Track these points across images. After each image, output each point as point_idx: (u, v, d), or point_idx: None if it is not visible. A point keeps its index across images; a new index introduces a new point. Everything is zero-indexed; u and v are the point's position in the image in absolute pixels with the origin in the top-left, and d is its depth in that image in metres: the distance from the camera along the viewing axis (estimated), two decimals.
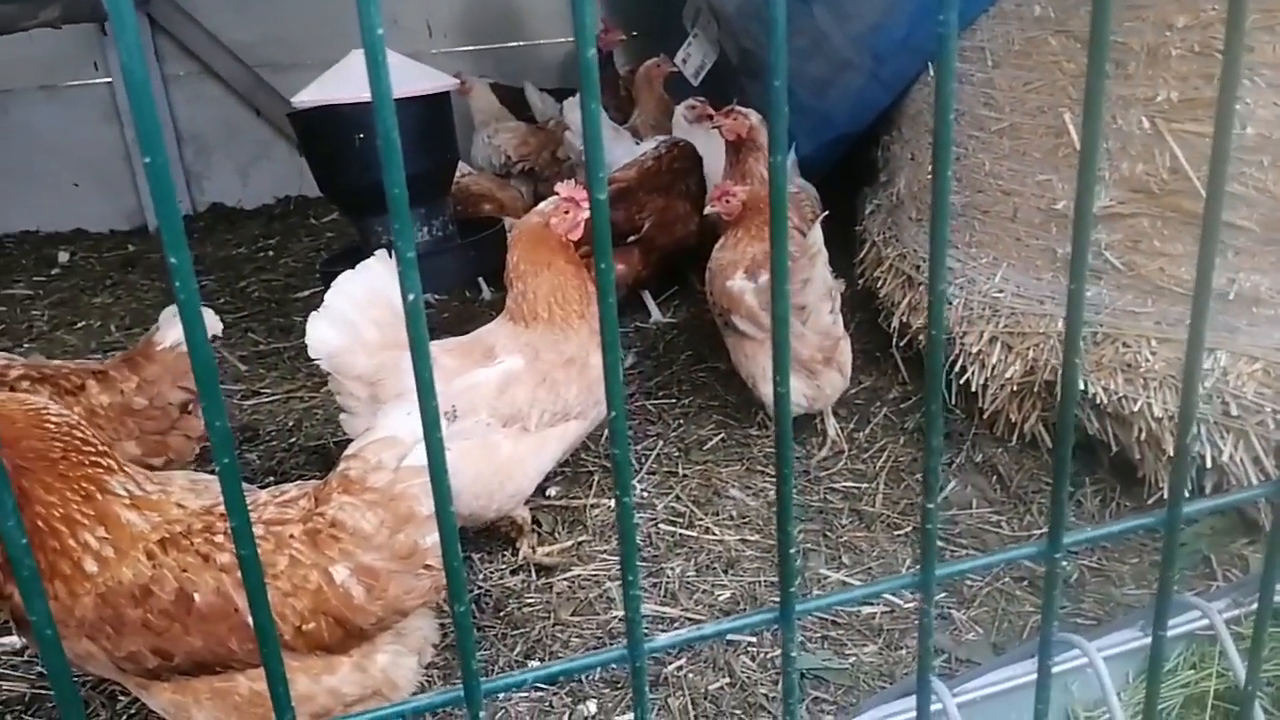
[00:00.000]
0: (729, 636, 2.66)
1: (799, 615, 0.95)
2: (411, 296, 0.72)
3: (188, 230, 4.78)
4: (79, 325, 4.99)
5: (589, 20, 0.71)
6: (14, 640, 2.68)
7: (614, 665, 0.93)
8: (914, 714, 1.96)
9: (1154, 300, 2.88)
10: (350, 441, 2.80)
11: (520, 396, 2.83)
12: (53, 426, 1.91)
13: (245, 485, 2.21)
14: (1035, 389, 3.13)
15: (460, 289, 4.96)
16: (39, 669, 2.61)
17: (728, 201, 3.45)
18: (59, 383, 2.60)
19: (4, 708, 2.51)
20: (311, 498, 2.09)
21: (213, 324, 2.77)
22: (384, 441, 2.13)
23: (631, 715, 2.42)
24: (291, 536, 2.01)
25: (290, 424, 3.88)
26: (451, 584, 0.81)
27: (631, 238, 4.38)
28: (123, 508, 1.91)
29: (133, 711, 2.47)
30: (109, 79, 6.50)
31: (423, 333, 0.76)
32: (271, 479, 3.50)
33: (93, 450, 1.93)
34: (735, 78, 5.31)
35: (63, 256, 6.04)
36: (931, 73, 3.69)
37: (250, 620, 1.94)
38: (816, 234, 3.07)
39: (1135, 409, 2.79)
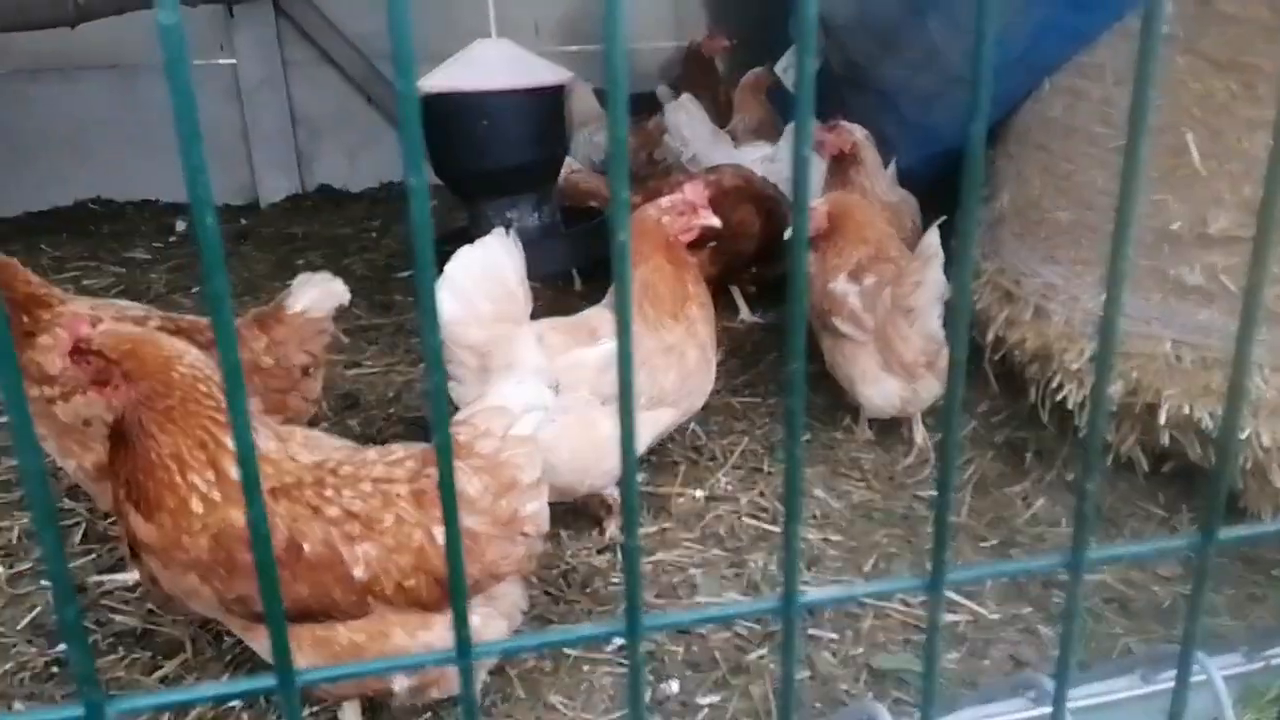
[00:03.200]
0: (810, 632, 2.70)
1: (949, 584, 0.99)
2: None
3: (296, 208, 4.98)
4: (194, 290, 5.22)
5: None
6: (126, 576, 2.84)
7: (767, 615, 0.98)
8: (1009, 717, 1.97)
9: (1268, 327, 2.82)
10: (456, 410, 2.91)
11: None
12: (177, 376, 2.02)
13: (353, 444, 2.33)
14: (1135, 411, 3.09)
15: (557, 277, 5.07)
16: (148, 606, 2.76)
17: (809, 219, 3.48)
18: (194, 336, 2.74)
19: (116, 639, 2.66)
20: (419, 459, 2.18)
21: (340, 293, 2.90)
22: (493, 410, 2.22)
23: (714, 697, 2.47)
24: (398, 495, 2.10)
25: (390, 395, 4.02)
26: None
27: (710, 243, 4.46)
28: (232, 462, 2.00)
29: (237, 652, 2.60)
30: (233, 60, 6.78)
31: None
32: (371, 445, 3.62)
33: (214, 404, 2.03)
34: (837, 89, 5.32)
35: (180, 225, 6.32)
36: (1047, 88, 3.67)
37: (355, 572, 2.06)
38: (933, 237, 3.09)
39: (1242, 437, 2.74)
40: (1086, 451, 0.99)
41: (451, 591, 0.89)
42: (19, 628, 2.68)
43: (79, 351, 1.98)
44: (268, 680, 0.85)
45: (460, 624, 0.89)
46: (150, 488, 1.98)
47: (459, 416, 2.27)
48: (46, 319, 2.62)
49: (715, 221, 3.11)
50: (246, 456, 0.83)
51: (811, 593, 1.00)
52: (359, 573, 2.04)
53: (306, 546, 2.01)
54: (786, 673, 1.00)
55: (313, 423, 3.22)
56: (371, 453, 2.24)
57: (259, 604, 2.02)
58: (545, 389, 2.36)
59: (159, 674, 2.53)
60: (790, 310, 0.89)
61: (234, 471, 2.01)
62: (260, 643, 2.12)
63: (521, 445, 2.19)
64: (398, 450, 2.24)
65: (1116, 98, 3.32)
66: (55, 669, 2.55)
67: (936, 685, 1.05)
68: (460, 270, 2.78)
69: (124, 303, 2.90)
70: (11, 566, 2.92)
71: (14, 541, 3.03)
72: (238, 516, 1.98)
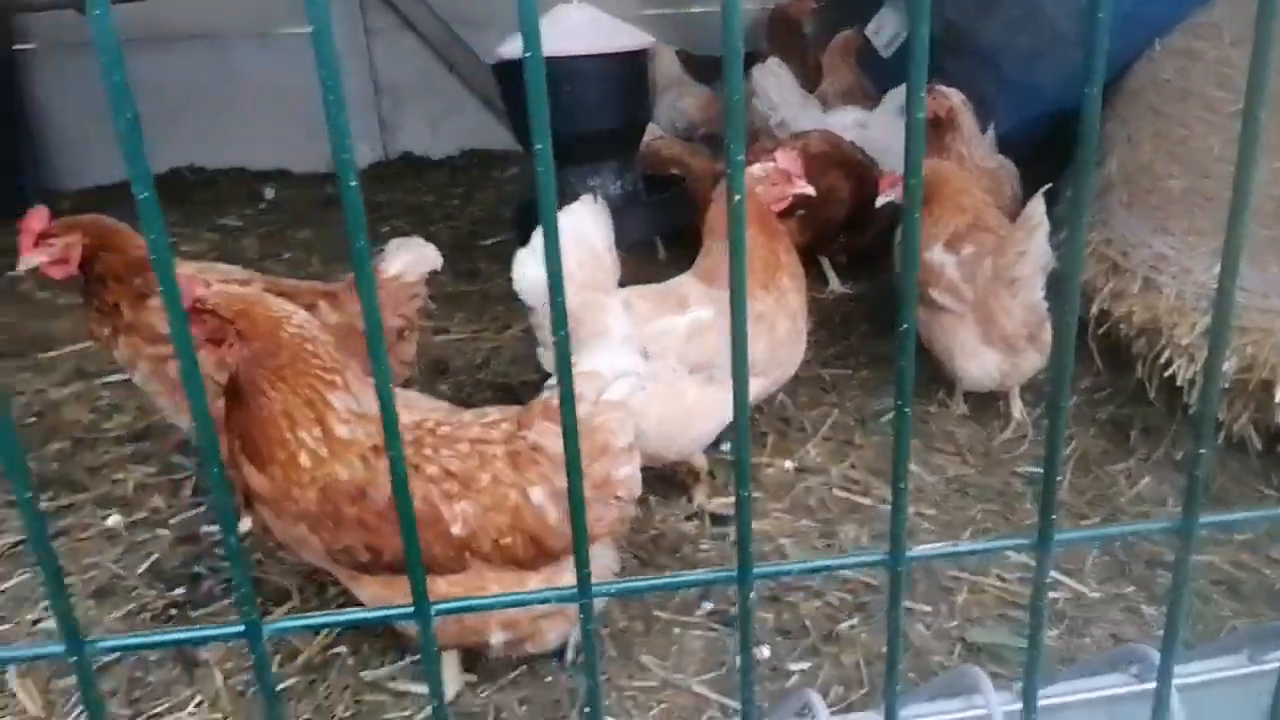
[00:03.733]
0: (907, 605, 2.65)
1: (1058, 544, 0.96)
2: None
3: (379, 176, 5.01)
4: (284, 256, 5.34)
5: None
6: (241, 525, 2.93)
7: (858, 578, 0.96)
8: (1111, 691, 1.91)
9: None
10: (547, 376, 2.92)
11: (708, 345, 2.89)
12: (286, 336, 2.08)
13: (449, 405, 2.35)
14: (1249, 388, 2.96)
15: (640, 246, 5.05)
16: (257, 554, 2.85)
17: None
18: (293, 299, 2.80)
19: (228, 586, 2.75)
20: (514, 421, 2.20)
21: (432, 258, 2.92)
22: (586, 375, 2.22)
23: (805, 664, 2.45)
24: (494, 456, 2.12)
25: (477, 360, 4.06)
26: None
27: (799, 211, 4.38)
28: (337, 421, 2.05)
29: (340, 600, 2.66)
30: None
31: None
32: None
33: (320, 365, 2.08)
34: (934, 51, 5.16)
35: (268, 193, 6.46)
36: (1158, 49, 3.51)
37: (453, 529, 2.08)
38: (1037, 206, 2.99)
39: None
40: (1198, 422, 0.95)
41: (574, 534, 0.89)
42: (139, 572, 2.79)
43: (196, 310, 2.03)
44: (406, 609, 0.87)
45: (582, 564, 0.89)
46: (262, 442, 2.03)
47: (551, 382, 2.28)
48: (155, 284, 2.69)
49: (809, 190, 3.05)
50: (388, 405, 0.84)
51: (918, 548, 0.98)
52: (457, 529, 2.08)
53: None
54: (892, 625, 0.98)
55: (405, 386, 3.27)
56: (468, 414, 2.27)
57: (363, 554, 2.07)
58: (637, 356, 2.35)
59: (267, 619, 2.61)
60: (903, 272, 0.86)
61: (339, 429, 2.05)
62: (366, 592, 2.17)
63: (614, 410, 2.20)
64: (493, 413, 2.26)
65: (1234, 59, 3.16)
66: (173, 610, 2.65)
67: (1042, 648, 1.02)
68: None
69: (226, 266, 2.97)
70: (129, 516, 3.04)
71: (130, 493, 3.15)
72: (343, 471, 2.03)
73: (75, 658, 0.84)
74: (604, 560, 2.33)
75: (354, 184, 0.74)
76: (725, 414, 2.97)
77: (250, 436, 2.06)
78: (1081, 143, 0.85)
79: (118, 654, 2.47)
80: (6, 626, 2.60)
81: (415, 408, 2.25)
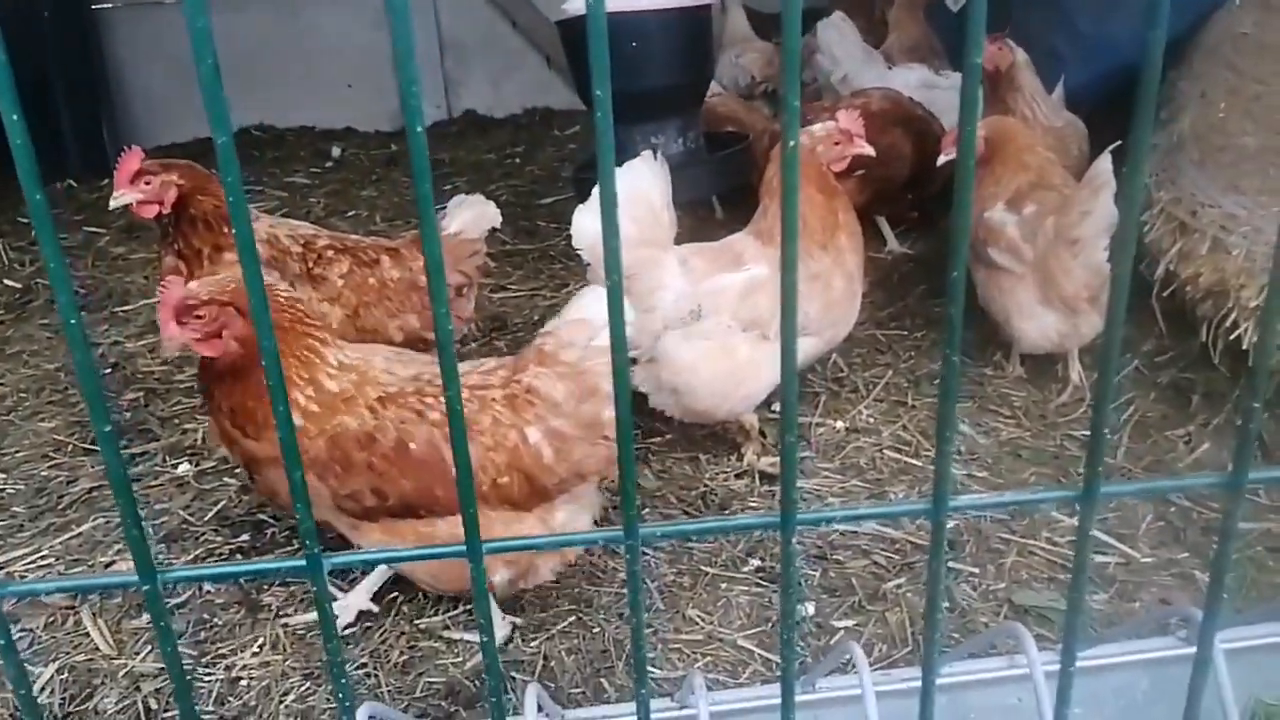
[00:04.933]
0: (950, 565, 2.67)
1: (1105, 497, 0.97)
2: None
3: (443, 134, 5.06)
4: (349, 214, 5.45)
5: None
6: None
7: (918, 518, 0.98)
8: (1157, 653, 1.91)
9: None
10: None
11: (762, 303, 2.90)
12: (283, 300, 2.19)
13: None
14: None
15: (698, 204, 5.04)
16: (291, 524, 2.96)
17: None
18: (358, 254, 2.89)
19: (291, 533, 2.87)
20: (510, 368, 2.31)
21: (492, 216, 2.97)
22: (576, 323, 2.31)
23: (850, 621, 2.49)
24: (493, 400, 2.23)
25: (535, 318, 4.12)
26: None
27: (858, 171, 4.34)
28: (327, 376, 2.17)
29: None
30: None
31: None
32: None
33: (314, 325, 2.21)
34: (1000, 4, 5.02)
35: (335, 151, 6.57)
36: (1238, 1, 3.38)
37: (455, 472, 2.16)
38: (1104, 164, 2.92)
39: None
40: (1252, 376, 0.94)
41: (621, 471, 0.93)
42: (206, 519, 2.93)
43: (188, 309, 2.10)
44: (458, 547, 0.92)
45: (629, 504, 0.93)
46: (259, 410, 2.13)
47: (545, 329, 2.38)
48: None
49: (869, 150, 3.03)
50: (445, 344, 0.88)
51: (962, 497, 0.99)
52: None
53: (413, 446, 2.17)
54: (934, 574, 1.00)
55: (462, 343, 3.36)
56: (465, 365, 2.36)
57: (369, 499, 2.18)
58: (628, 304, 2.40)
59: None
60: (954, 221, 0.87)
61: (330, 384, 2.17)
62: (367, 539, 2.28)
63: (602, 355, 2.27)
64: (490, 362, 2.38)
65: None
66: (238, 555, 2.78)
67: (1083, 603, 1.03)
68: None
69: (296, 221, 3.06)
70: (198, 465, 3.18)
71: (199, 442, 3.29)
72: (350, 422, 2.15)
73: (148, 586, 0.91)
74: (593, 498, 2.43)
75: (420, 130, 0.78)
76: (777, 373, 2.99)
77: (245, 409, 2.17)
78: (1141, 92, 0.85)
79: (186, 594, 2.61)
80: (80, 568, 2.75)
81: (411, 362, 2.34)
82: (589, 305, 2.33)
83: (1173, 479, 1.08)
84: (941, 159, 3.50)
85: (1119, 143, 3.06)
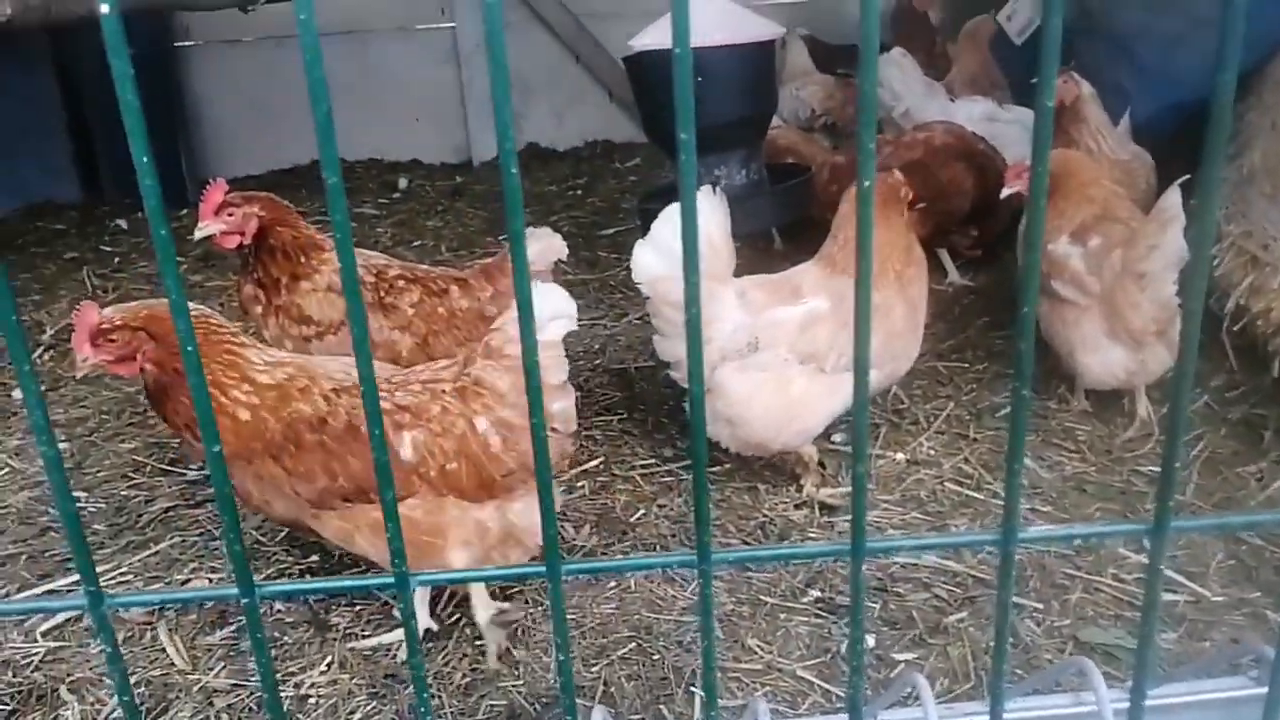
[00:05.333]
0: (1014, 600, 2.64)
1: (1175, 531, 0.97)
2: None
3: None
4: (415, 244, 5.59)
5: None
6: None
7: (983, 560, 1.00)
8: (1229, 693, 1.88)
9: None
10: (663, 365, 3.01)
11: (821, 337, 2.92)
12: (194, 316, 2.26)
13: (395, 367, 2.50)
14: None
15: (759, 236, 5.09)
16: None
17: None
18: (428, 284, 2.98)
19: (343, 561, 2.94)
20: (462, 363, 2.41)
21: (559, 248, 3.04)
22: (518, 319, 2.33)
23: (910, 655, 2.47)
24: (443, 391, 2.34)
25: (595, 348, 4.18)
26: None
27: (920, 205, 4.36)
28: (257, 371, 2.29)
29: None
30: (453, 24, 7.13)
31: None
32: (578, 394, 3.78)
33: (228, 333, 2.32)
34: (1067, 37, 5.01)
35: (402, 183, 6.75)
36: None
37: (403, 453, 2.29)
38: (1173, 197, 2.90)
39: None
40: None
41: (696, 497, 0.96)
42: (277, 540, 3.02)
43: (102, 333, 2.21)
44: (538, 567, 0.95)
45: (703, 529, 0.96)
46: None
47: (494, 324, 2.45)
48: (314, 263, 2.90)
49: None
50: (533, 371, 0.92)
51: (1031, 530, 1.00)
52: (406, 454, 2.29)
53: (363, 429, 2.25)
54: (1001, 607, 1.01)
55: None
56: (420, 368, 2.52)
57: (320, 478, 2.28)
58: (568, 299, 2.46)
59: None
60: (1026, 255, 0.89)
61: (264, 378, 2.29)
62: (328, 528, 2.37)
63: (548, 350, 2.36)
64: (442, 362, 2.51)
65: None
66: (308, 575, 2.86)
67: (1154, 640, 1.03)
68: (666, 228, 2.86)
69: (369, 252, 3.16)
70: None
71: None
72: (305, 408, 2.28)
73: (247, 600, 0.96)
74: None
75: (514, 170, 0.83)
76: (833, 406, 3.00)
77: (193, 419, 2.25)
78: (1211, 131, 0.86)
79: (277, 600, 2.69)
80: (158, 585, 2.85)
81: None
82: (537, 300, 2.37)
83: (1245, 515, 1.08)
84: (1005, 191, 3.49)
85: (1187, 176, 3.05)
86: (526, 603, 2.69)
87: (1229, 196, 3.67)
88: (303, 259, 2.87)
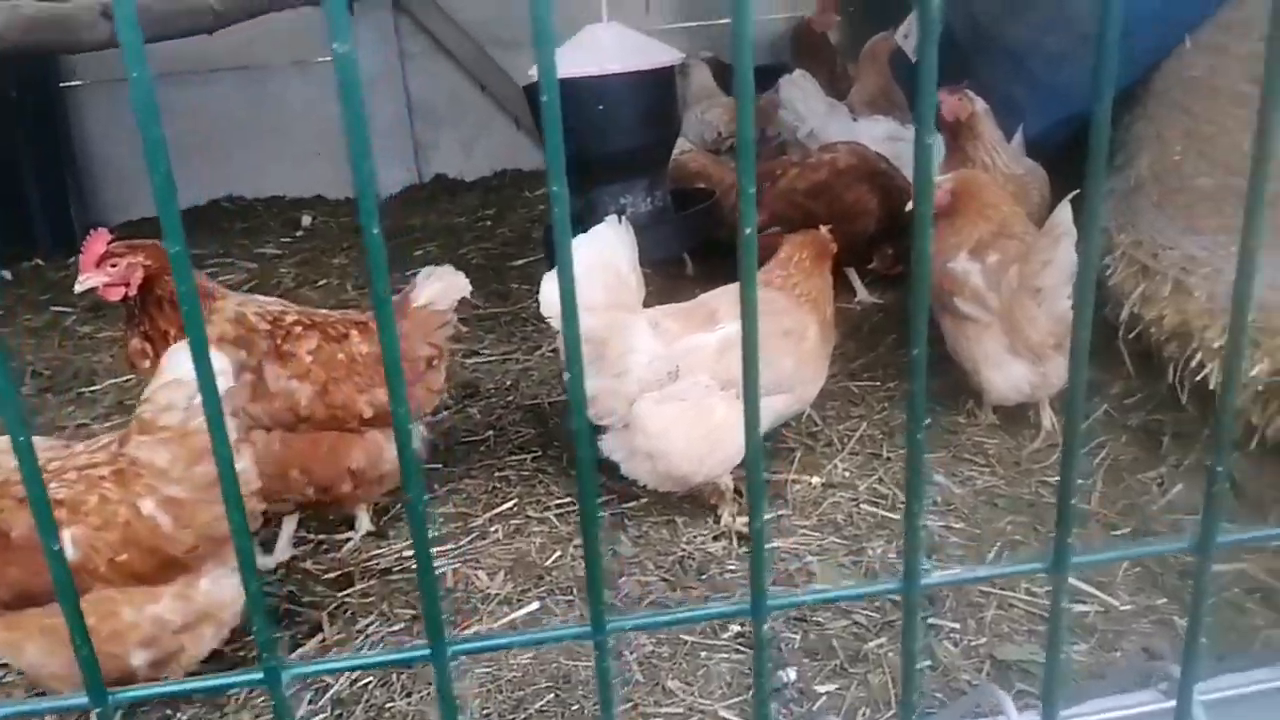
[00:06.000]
0: (931, 621, 2.64)
1: (1073, 566, 0.96)
2: None
3: (413, 199, 5.10)
4: (320, 283, 5.45)
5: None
6: (266, 560, 3.00)
7: (885, 596, 0.97)
8: (1139, 709, 1.89)
9: None
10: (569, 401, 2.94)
11: (739, 361, 2.89)
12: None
13: (63, 442, 2.39)
14: None
15: (669, 262, 5.08)
16: (289, 588, 2.91)
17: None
18: (326, 330, 2.88)
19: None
20: (119, 439, 2.26)
21: (462, 286, 2.97)
22: (171, 384, 2.24)
23: (832, 685, 2.45)
24: (101, 478, 2.19)
25: (508, 383, 4.10)
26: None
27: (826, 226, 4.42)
28: None
29: (371, 632, 2.71)
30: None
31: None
32: (490, 433, 3.73)
33: None
34: (958, 55, 5.13)
35: (305, 220, 6.59)
36: (1188, 45, 3.46)
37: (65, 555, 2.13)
38: (1064, 212, 2.97)
39: None
40: (1217, 430, 0.94)
41: (588, 562, 0.91)
42: None
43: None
44: (423, 650, 0.89)
45: (595, 599, 0.91)
46: None
47: (144, 395, 2.30)
48: (206, 313, 2.77)
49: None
50: (405, 446, 0.86)
51: (935, 574, 0.98)
52: (69, 554, 2.11)
53: (14, 533, 2.12)
54: (907, 653, 0.98)
55: (434, 412, 3.33)
56: (79, 445, 2.33)
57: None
58: (223, 357, 2.31)
59: (299, 652, 2.67)
60: (914, 292, 0.87)
61: None
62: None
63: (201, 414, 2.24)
64: (103, 438, 2.33)
65: (1264, 54, 3.10)
66: (225, 649, 2.71)
67: (1059, 673, 1.02)
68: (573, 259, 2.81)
69: (264, 298, 3.04)
70: None
71: None
72: None
73: (99, 709, 0.88)
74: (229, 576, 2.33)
75: (376, 232, 0.77)
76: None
77: None
78: (1092, 150, 0.85)
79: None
80: (11, 677, 2.64)
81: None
82: (181, 364, 2.25)
83: (1153, 536, 1.08)
84: (910, 206, 3.55)
85: (1077, 191, 3.12)
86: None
87: (1118, 207, 3.78)
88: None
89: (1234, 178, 3.21)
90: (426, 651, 0.90)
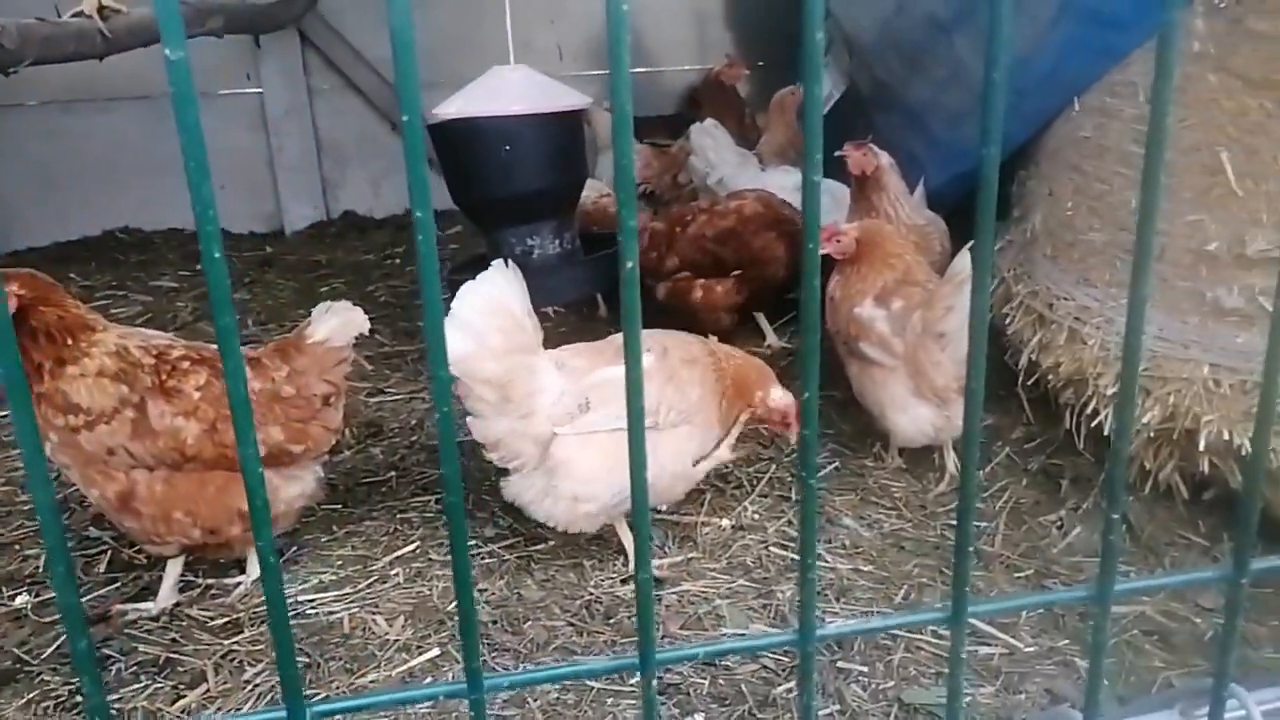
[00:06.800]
0: (839, 665, 2.62)
1: (971, 616, 0.94)
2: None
3: (321, 235, 4.97)
4: None
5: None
6: (148, 606, 2.82)
7: (783, 649, 0.93)
8: None
9: None
10: (475, 442, 2.87)
11: (650, 391, 2.86)
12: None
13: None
14: (1174, 436, 3.00)
15: (581, 303, 5.05)
16: (172, 635, 2.75)
17: (838, 242, 3.45)
18: (216, 365, 2.74)
19: (139, 668, 2.64)
20: None
21: (360, 323, 2.88)
22: None
23: None
24: None
25: (413, 422, 3.99)
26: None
27: (735, 271, 4.46)
28: None
29: (259, 682, 2.56)
30: (260, 89, 6.85)
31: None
32: (393, 473, 3.61)
33: None
34: (863, 110, 5.28)
35: None
36: (1077, 107, 3.62)
37: None
38: (964, 261, 3.04)
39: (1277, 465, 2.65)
40: (1110, 481, 0.94)
41: (462, 616, 0.85)
42: (43, 657, 2.67)
43: None
44: (279, 712, 0.81)
45: (471, 654, 0.85)
46: None
47: None
48: (84, 346, 2.62)
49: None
50: (254, 489, 0.80)
51: (831, 625, 0.95)
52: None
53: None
54: (806, 704, 0.95)
55: (334, 451, 3.21)
56: None
57: None
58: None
59: (180, 704, 2.51)
60: (804, 339, 0.85)
61: None
62: None
63: None
64: None
65: (1149, 116, 3.25)
66: (79, 698, 2.53)
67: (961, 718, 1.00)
68: (466, 306, 2.76)
69: (150, 331, 2.90)
70: (37, 595, 2.91)
71: (40, 570, 3.03)
72: None
73: None
74: None
75: (217, 255, 0.71)
76: (671, 461, 2.94)
77: None
78: (980, 204, 0.86)
79: None
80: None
81: None
82: None
83: (1040, 593, 1.07)
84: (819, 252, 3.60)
85: (974, 241, 3.20)
86: None
87: (1015, 258, 3.90)
88: (69, 341, 2.59)
89: (1123, 233, 3.34)
90: (283, 713, 0.83)
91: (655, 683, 0.88)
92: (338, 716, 0.92)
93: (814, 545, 0.88)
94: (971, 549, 3.12)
